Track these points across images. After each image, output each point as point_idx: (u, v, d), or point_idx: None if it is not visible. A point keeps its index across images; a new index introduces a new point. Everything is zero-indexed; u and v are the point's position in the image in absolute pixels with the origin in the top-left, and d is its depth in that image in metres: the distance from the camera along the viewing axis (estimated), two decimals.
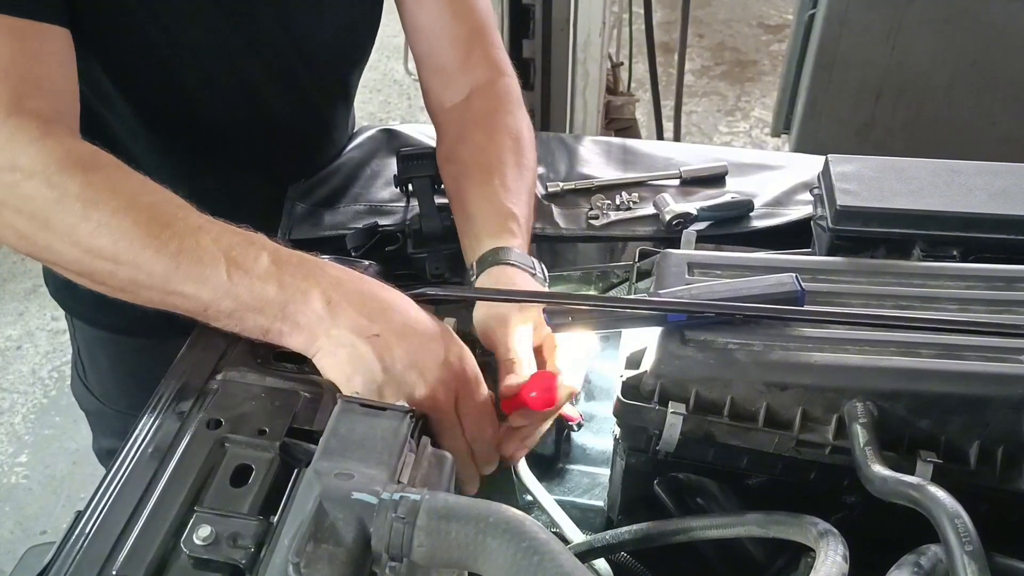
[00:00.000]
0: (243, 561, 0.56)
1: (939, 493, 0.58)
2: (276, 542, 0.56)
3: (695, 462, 0.74)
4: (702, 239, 1.02)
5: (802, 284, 0.74)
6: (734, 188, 1.15)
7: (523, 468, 0.83)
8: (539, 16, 2.11)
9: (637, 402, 0.71)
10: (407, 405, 0.64)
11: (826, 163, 0.96)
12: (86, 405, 1.31)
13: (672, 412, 0.69)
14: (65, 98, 0.81)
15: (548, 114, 2.26)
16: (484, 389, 0.77)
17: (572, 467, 0.92)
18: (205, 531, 0.57)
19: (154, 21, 0.92)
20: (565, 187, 1.16)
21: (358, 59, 1.14)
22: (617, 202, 1.13)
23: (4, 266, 3.03)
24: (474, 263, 0.88)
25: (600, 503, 0.87)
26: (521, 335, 0.80)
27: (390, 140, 1.24)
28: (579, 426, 0.92)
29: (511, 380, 0.77)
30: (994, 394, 0.68)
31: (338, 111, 1.17)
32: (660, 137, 2.72)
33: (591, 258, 1.11)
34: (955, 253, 0.88)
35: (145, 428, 0.67)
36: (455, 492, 0.66)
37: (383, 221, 1.08)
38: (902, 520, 0.61)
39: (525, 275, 0.86)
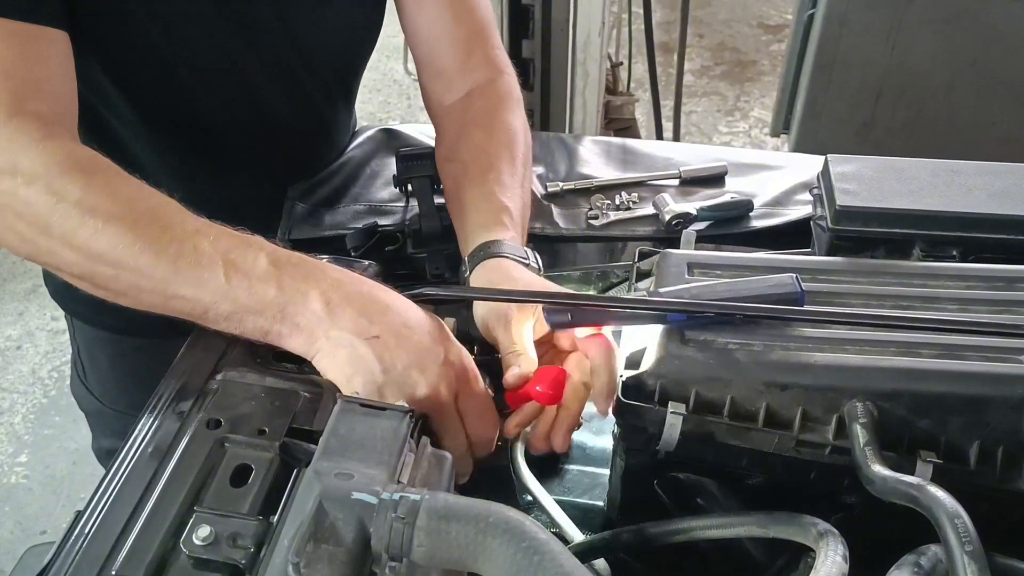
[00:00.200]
0: (243, 561, 0.56)
1: (939, 493, 0.58)
2: (276, 542, 0.56)
3: (695, 462, 0.74)
4: (702, 239, 1.02)
5: (802, 285, 0.74)
6: (734, 188, 1.15)
7: (523, 468, 0.83)
8: (538, 16, 2.11)
9: (637, 402, 0.71)
10: (407, 405, 0.64)
11: (826, 163, 0.96)
12: (86, 405, 1.30)
13: (672, 412, 0.69)
14: (64, 101, 0.82)
15: (548, 114, 2.26)
16: (484, 388, 0.77)
17: (572, 467, 0.92)
18: (205, 531, 0.57)
19: (154, 22, 0.92)
20: (565, 187, 1.16)
21: (359, 60, 1.14)
22: (617, 202, 1.13)
23: (4, 266, 3.03)
24: (467, 256, 0.89)
25: (600, 503, 0.87)
26: (522, 329, 0.80)
27: (390, 140, 1.24)
28: (579, 425, 0.92)
29: (514, 372, 0.77)
30: (994, 394, 0.68)
31: (339, 112, 1.17)
32: (660, 137, 2.72)
33: (591, 258, 1.11)
34: (955, 253, 0.88)
35: (145, 428, 0.67)
36: (455, 491, 0.66)
37: (383, 221, 1.08)
38: (902, 520, 0.61)
39: (519, 266, 0.86)
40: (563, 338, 0.83)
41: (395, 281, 0.80)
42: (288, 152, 1.12)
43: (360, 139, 1.23)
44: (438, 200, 1.03)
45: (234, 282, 0.71)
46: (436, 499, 0.54)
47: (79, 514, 0.61)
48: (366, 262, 0.89)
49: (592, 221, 1.11)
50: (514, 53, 2.13)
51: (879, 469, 0.63)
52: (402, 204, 1.10)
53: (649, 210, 1.12)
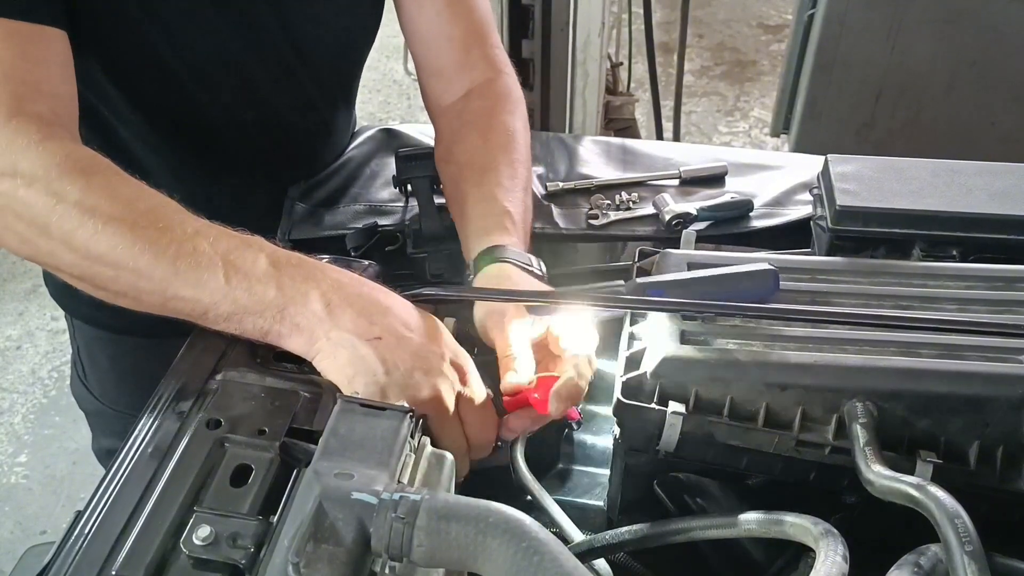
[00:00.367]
0: (243, 561, 0.56)
1: (939, 493, 0.58)
2: (276, 542, 0.56)
3: (695, 462, 0.74)
4: (702, 239, 1.02)
5: (774, 266, 0.76)
6: (734, 188, 1.15)
7: (523, 468, 0.83)
8: (538, 16, 2.11)
9: (637, 402, 0.71)
10: (407, 405, 0.64)
11: (825, 163, 0.96)
12: (85, 405, 1.30)
13: (672, 412, 0.69)
14: (64, 101, 0.81)
15: (547, 114, 2.25)
16: (484, 390, 0.78)
17: (572, 467, 0.92)
18: (205, 531, 0.57)
19: (154, 22, 0.92)
20: (565, 187, 1.16)
21: (358, 60, 1.14)
22: (617, 202, 1.13)
23: (4, 266, 3.03)
24: (471, 262, 0.89)
25: (600, 503, 0.87)
26: (519, 332, 0.80)
27: (390, 140, 1.24)
28: (578, 424, 0.92)
29: (510, 378, 0.77)
30: (994, 394, 0.68)
31: (339, 112, 1.17)
32: (660, 137, 2.72)
33: (591, 258, 1.12)
34: (955, 253, 0.88)
35: (145, 428, 0.67)
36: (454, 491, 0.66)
37: (383, 221, 1.08)
38: (902, 520, 0.61)
39: (522, 272, 0.86)
40: (558, 343, 0.83)
41: (395, 281, 0.80)
42: (288, 152, 1.12)
43: (360, 139, 1.23)
44: (438, 200, 1.03)
45: (234, 283, 0.71)
46: (436, 499, 0.54)
47: (79, 514, 0.61)
48: (366, 262, 0.89)
49: (592, 221, 1.11)
50: (514, 53, 2.13)
51: (879, 469, 0.63)
52: (402, 204, 1.10)
53: (649, 210, 1.12)
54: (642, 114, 2.95)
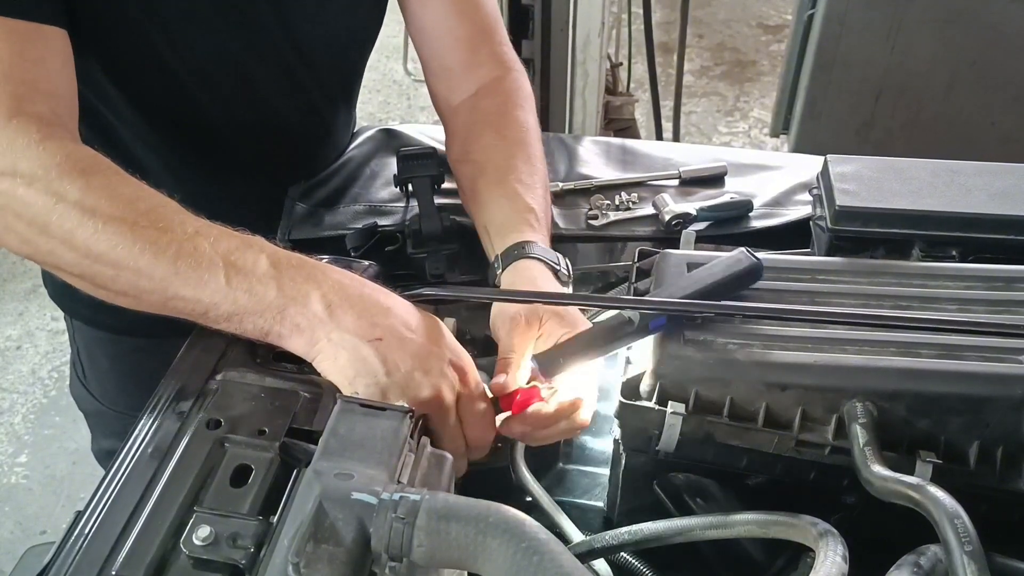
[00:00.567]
0: (243, 561, 0.56)
1: (939, 493, 0.58)
2: (276, 542, 0.56)
3: (695, 462, 0.74)
4: (701, 239, 1.02)
5: (756, 255, 0.76)
6: (733, 188, 1.15)
7: (523, 468, 0.83)
8: (538, 16, 2.11)
9: (637, 402, 0.71)
10: (407, 405, 0.64)
11: (825, 163, 0.96)
12: (85, 406, 1.30)
13: (672, 412, 0.69)
14: (64, 100, 0.81)
15: (547, 114, 2.26)
16: (484, 391, 0.78)
17: (572, 467, 0.92)
18: (205, 531, 0.56)
19: (153, 22, 0.91)
20: (565, 187, 1.16)
21: (359, 61, 1.14)
22: (616, 202, 1.13)
23: (4, 266, 3.03)
24: (499, 256, 0.89)
25: (600, 503, 0.87)
26: (524, 338, 0.80)
27: (390, 140, 1.24)
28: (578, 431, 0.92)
29: (499, 379, 0.78)
30: (994, 394, 0.68)
31: (339, 112, 1.17)
32: (659, 137, 2.72)
33: (591, 258, 1.12)
34: (954, 253, 0.88)
35: (145, 428, 0.67)
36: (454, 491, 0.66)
37: (383, 221, 1.08)
38: (902, 520, 0.61)
39: (547, 272, 0.87)
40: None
41: (395, 281, 0.80)
42: (288, 152, 1.12)
43: (360, 139, 1.23)
44: (438, 200, 1.03)
45: (234, 283, 0.71)
46: (436, 499, 0.54)
47: (79, 514, 0.61)
48: (366, 263, 0.89)
49: (592, 221, 1.11)
50: None
51: (879, 469, 0.63)
52: (402, 204, 1.10)
53: (649, 210, 1.12)
54: (642, 114, 2.95)
